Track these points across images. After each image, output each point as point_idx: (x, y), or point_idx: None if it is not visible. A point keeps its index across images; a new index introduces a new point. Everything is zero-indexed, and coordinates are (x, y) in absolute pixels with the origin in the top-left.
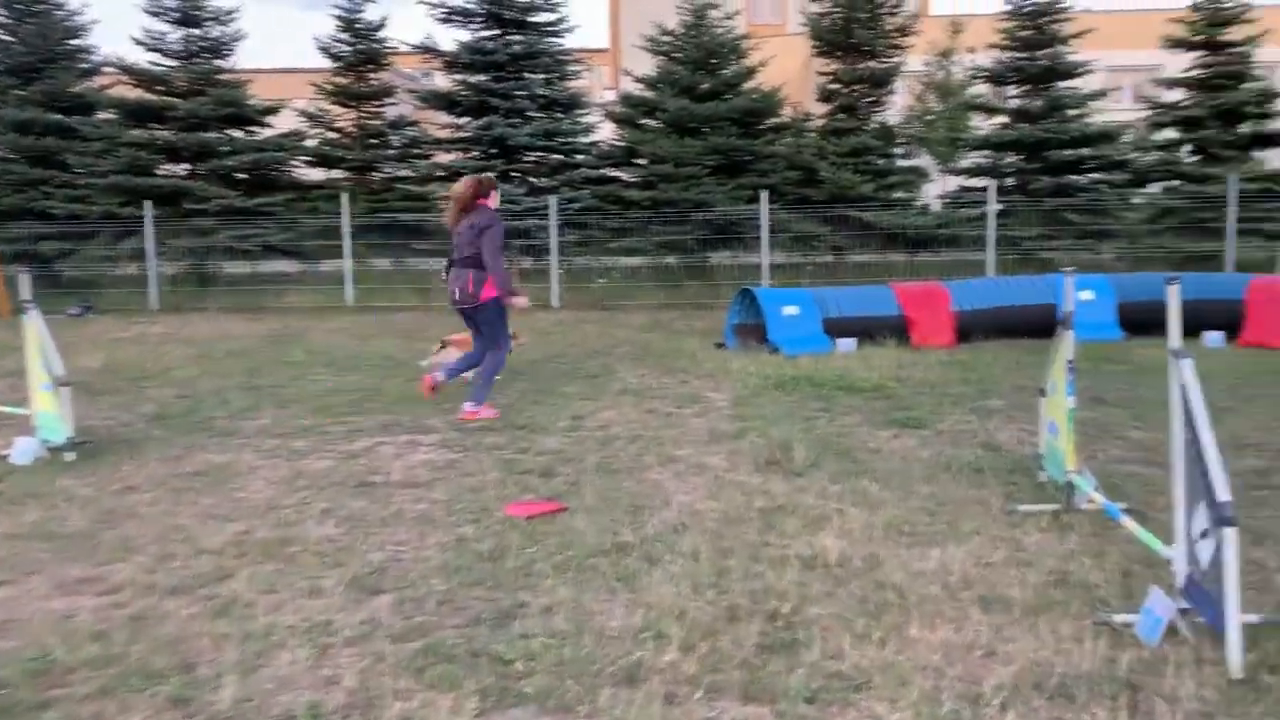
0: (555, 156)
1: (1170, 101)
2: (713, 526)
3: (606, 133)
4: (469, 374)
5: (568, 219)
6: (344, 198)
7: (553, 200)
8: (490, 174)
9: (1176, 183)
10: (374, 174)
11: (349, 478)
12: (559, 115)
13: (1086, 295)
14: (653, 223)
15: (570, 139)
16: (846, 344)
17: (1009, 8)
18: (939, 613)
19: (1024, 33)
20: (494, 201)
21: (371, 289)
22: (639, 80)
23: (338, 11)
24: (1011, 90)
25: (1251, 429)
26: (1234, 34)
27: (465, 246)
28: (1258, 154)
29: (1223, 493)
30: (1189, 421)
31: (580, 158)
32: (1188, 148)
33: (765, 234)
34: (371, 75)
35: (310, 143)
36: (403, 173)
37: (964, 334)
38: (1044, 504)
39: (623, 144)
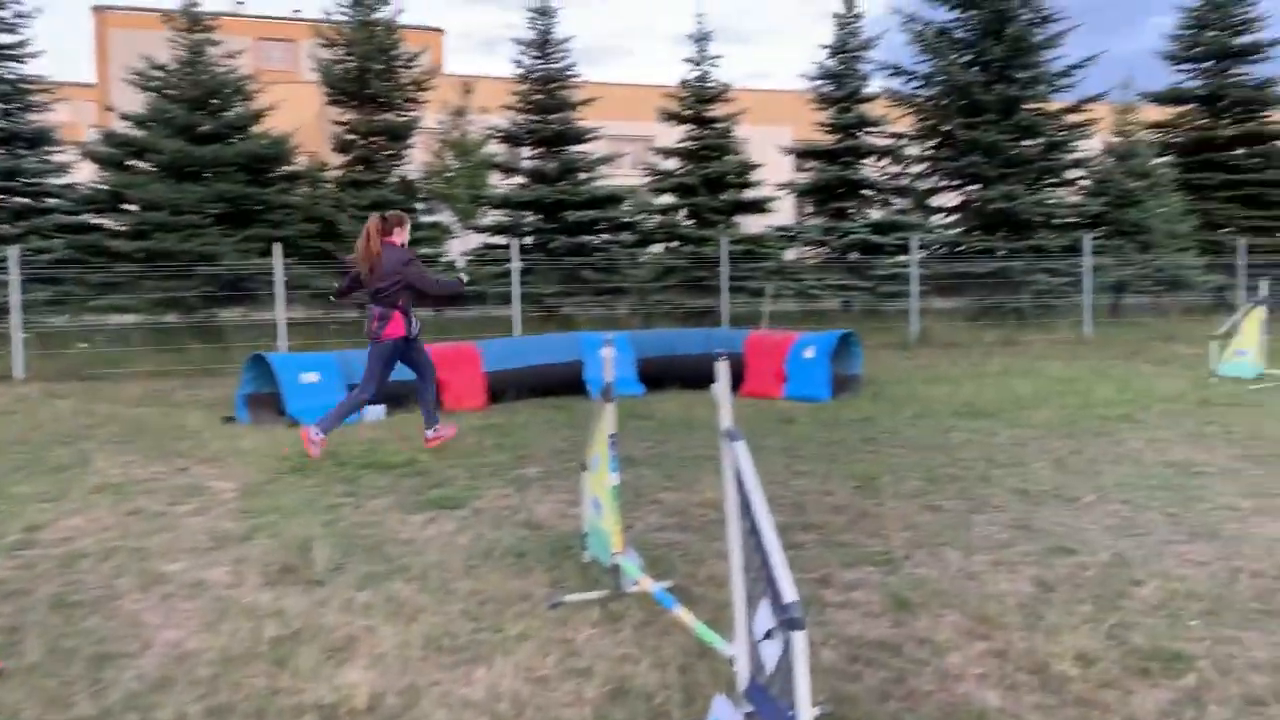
0: (18, 200)
1: (667, 169)
2: (207, 673)
3: (89, 174)
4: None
5: (35, 273)
6: None
7: (13, 251)
8: (397, 210)
9: (676, 243)
10: None
11: None
12: (22, 152)
13: (610, 352)
14: (147, 278)
15: (38, 180)
16: (375, 411)
17: (520, 72)
18: None
19: (536, 97)
20: (400, 238)
21: None
22: (126, 118)
23: None
24: (527, 151)
25: (766, 482)
26: (718, 111)
27: (376, 285)
28: (739, 219)
29: (789, 593)
30: (746, 511)
31: (52, 202)
32: (684, 212)
33: (281, 290)
34: None
35: None
36: None
37: (495, 395)
38: (591, 590)
39: (107, 188)
